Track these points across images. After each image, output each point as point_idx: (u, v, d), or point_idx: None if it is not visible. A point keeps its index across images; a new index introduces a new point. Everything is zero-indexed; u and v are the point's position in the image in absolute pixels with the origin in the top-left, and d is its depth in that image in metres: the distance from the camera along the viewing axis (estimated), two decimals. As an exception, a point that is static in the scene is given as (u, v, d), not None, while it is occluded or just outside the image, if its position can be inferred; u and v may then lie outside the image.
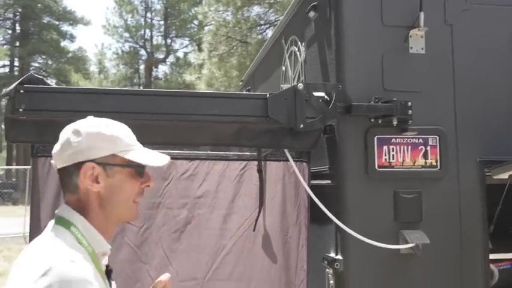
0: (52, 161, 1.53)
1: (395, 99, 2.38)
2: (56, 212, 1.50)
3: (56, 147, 1.48)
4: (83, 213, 1.46)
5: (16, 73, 38.88)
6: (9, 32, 40.78)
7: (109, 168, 1.45)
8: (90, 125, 1.48)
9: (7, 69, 40.47)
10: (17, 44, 40.06)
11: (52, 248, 1.33)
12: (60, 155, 1.46)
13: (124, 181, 1.49)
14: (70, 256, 1.31)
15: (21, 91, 2.32)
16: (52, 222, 1.48)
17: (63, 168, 1.46)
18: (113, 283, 1.59)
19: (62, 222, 1.44)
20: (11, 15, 40.43)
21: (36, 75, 2.49)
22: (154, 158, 1.56)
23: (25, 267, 1.30)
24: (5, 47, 36.22)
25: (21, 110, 2.31)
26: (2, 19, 38.01)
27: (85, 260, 1.34)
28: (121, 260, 2.64)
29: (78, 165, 1.43)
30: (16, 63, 40.58)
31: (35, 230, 2.58)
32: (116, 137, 1.48)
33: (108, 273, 1.54)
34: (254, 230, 2.72)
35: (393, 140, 2.46)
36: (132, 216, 1.58)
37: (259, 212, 2.69)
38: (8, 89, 2.37)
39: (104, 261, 1.55)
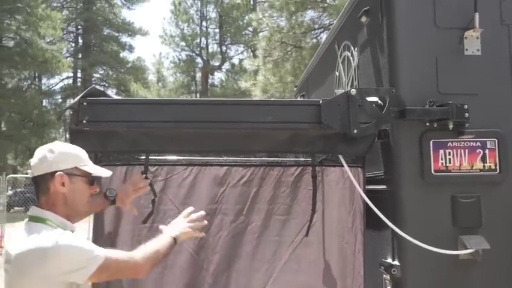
0: (29, 171, 2.16)
1: (450, 102, 2.35)
2: (28, 213, 2.02)
3: (34, 160, 2.03)
4: (52, 209, 2.01)
5: (79, 84, 40.47)
6: (73, 44, 42.53)
7: (72, 176, 2.04)
8: (60, 146, 2.09)
9: (71, 81, 42.17)
10: (80, 56, 41.71)
11: (44, 234, 1.86)
12: (39, 166, 2.02)
13: (81, 186, 2.08)
14: (56, 234, 1.88)
15: (84, 104, 2.44)
16: (29, 222, 1.98)
17: (40, 175, 2.02)
18: None
19: (38, 219, 1.97)
20: (73, 29, 42.18)
21: (98, 88, 2.61)
22: (102, 171, 2.16)
23: (29, 250, 1.81)
24: (68, 59, 37.69)
25: (84, 121, 2.43)
26: (65, 33, 39.62)
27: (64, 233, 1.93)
28: (179, 265, 2.71)
29: (51, 174, 2.00)
30: (79, 75, 42.23)
31: (99, 235, 2.70)
32: (78, 155, 2.10)
33: None
34: (307, 235, 2.73)
35: (449, 144, 2.42)
36: (86, 212, 2.31)
37: (311, 218, 2.70)
38: (72, 102, 2.50)
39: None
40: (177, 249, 2.68)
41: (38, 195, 2.07)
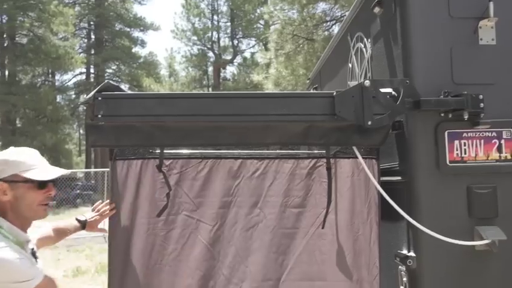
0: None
1: (465, 92, 2.33)
2: None
3: None
4: (4, 217, 2.10)
5: (92, 79, 40.73)
6: (85, 40, 42.80)
7: (12, 184, 2.11)
8: (2, 154, 2.15)
9: (84, 76, 42.49)
10: (92, 51, 41.96)
11: None
12: None
13: (25, 192, 2.13)
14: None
15: (99, 98, 2.45)
16: None
17: None
18: (39, 261, 2.33)
19: None
20: (86, 25, 42.41)
21: (112, 82, 2.62)
22: (45, 174, 2.18)
23: None
24: (81, 55, 37.95)
25: (99, 116, 2.44)
26: (78, 29, 39.89)
27: (9, 246, 2.02)
28: (194, 257, 2.73)
29: None
30: (92, 70, 42.53)
31: (115, 229, 2.73)
32: (18, 161, 2.13)
33: (33, 254, 2.30)
34: (323, 228, 2.74)
35: (464, 134, 2.41)
36: (39, 216, 2.25)
37: (327, 210, 2.70)
38: (87, 97, 2.51)
39: (31, 244, 2.30)
40: (191, 242, 2.71)
41: None
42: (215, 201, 2.75)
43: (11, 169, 2.12)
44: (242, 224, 2.77)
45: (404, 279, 2.44)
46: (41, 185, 2.17)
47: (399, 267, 2.48)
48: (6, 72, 31.41)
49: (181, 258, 2.72)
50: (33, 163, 2.18)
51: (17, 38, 31.56)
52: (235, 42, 43.17)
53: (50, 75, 38.69)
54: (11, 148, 2.21)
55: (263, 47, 32.77)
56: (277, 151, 2.98)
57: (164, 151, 2.72)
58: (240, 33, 42.82)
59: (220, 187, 2.78)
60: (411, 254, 2.40)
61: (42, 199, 2.19)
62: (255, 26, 40.81)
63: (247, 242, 2.76)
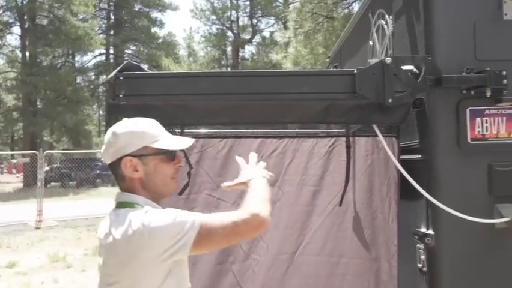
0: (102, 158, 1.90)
1: (488, 69, 2.30)
2: (115, 200, 1.85)
3: (103, 147, 1.85)
4: (135, 193, 1.82)
5: (111, 60, 40.91)
6: (104, 21, 42.89)
7: (143, 158, 1.81)
8: (124, 126, 1.85)
9: (103, 57, 42.68)
10: (112, 32, 42.05)
11: (132, 218, 1.67)
12: (106, 154, 1.84)
13: (158, 165, 1.84)
14: (143, 213, 1.69)
15: (121, 78, 2.47)
16: (116, 209, 1.81)
17: (111, 163, 1.84)
18: None
19: (126, 204, 1.79)
20: (105, 6, 42.47)
21: (133, 62, 2.64)
22: (177, 143, 1.90)
23: (122, 238, 1.64)
24: (100, 36, 38.08)
25: (121, 95, 2.47)
26: (97, 9, 39.93)
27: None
28: None
29: (119, 160, 1.80)
30: (111, 51, 42.68)
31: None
32: (144, 132, 1.84)
33: None
34: (340, 205, 2.75)
35: (486, 112, 2.39)
36: (171, 191, 1.94)
37: (345, 188, 2.71)
38: (109, 76, 2.54)
39: None
40: None
41: (117, 181, 1.89)
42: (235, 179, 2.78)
43: (140, 141, 1.82)
44: None
45: (422, 257, 2.45)
46: (172, 156, 1.89)
47: (418, 245, 2.48)
48: (27, 54, 31.69)
49: None
50: (158, 133, 1.88)
51: (37, 20, 31.72)
52: (254, 21, 42.86)
53: (70, 57, 38.91)
54: (126, 120, 1.90)
55: (282, 26, 32.50)
56: (296, 130, 2.99)
57: (185, 130, 2.74)
58: (259, 12, 42.46)
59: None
60: (430, 231, 2.40)
61: (174, 172, 1.90)
62: (274, 5, 40.43)
63: None
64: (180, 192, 2.74)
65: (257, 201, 1.81)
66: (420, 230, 2.48)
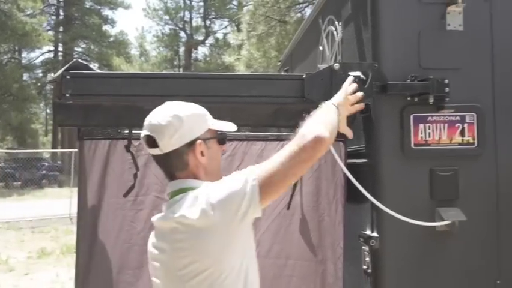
0: (149, 151, 1.78)
1: (431, 77, 2.38)
2: (170, 190, 1.76)
3: (159, 136, 1.68)
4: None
5: (60, 58, 39.87)
6: (54, 17, 41.74)
7: (207, 141, 1.73)
8: (184, 108, 1.73)
9: (52, 55, 41.55)
10: (61, 29, 40.99)
11: (196, 196, 1.61)
12: (168, 140, 1.67)
13: (215, 149, 1.77)
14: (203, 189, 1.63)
15: (68, 77, 2.41)
16: (172, 199, 1.72)
17: (172, 151, 1.69)
18: None
19: (182, 191, 1.68)
20: (55, 2, 41.35)
21: (81, 61, 2.59)
22: (229, 125, 1.84)
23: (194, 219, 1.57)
24: (49, 32, 37.07)
25: (67, 95, 2.41)
26: (46, 5, 38.87)
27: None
28: None
29: (188, 145, 1.68)
30: (60, 48, 41.58)
31: (83, 209, 2.71)
32: (206, 114, 1.77)
33: None
34: (288, 208, 2.78)
35: (429, 118, 2.46)
36: (220, 177, 1.74)
37: (293, 191, 2.74)
38: (55, 75, 2.48)
39: None
40: None
41: (170, 172, 1.77)
42: None
43: (204, 123, 1.73)
44: None
45: (367, 259, 2.50)
46: (224, 139, 1.81)
47: (363, 247, 2.54)
48: (-29, 49, 30.59)
49: None
50: (209, 115, 1.80)
51: (-19, 13, 30.64)
52: (208, 22, 42.81)
53: (16, 53, 37.72)
54: (175, 103, 1.78)
55: (235, 28, 32.59)
56: (246, 133, 2.99)
57: (133, 132, 2.70)
58: (213, 13, 42.44)
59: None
60: (375, 234, 2.46)
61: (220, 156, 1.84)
62: (228, 7, 40.52)
63: None
64: (125, 194, 2.68)
65: (308, 124, 1.76)
66: (365, 232, 2.54)
